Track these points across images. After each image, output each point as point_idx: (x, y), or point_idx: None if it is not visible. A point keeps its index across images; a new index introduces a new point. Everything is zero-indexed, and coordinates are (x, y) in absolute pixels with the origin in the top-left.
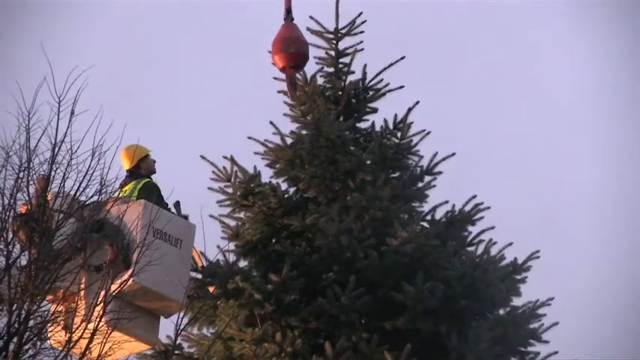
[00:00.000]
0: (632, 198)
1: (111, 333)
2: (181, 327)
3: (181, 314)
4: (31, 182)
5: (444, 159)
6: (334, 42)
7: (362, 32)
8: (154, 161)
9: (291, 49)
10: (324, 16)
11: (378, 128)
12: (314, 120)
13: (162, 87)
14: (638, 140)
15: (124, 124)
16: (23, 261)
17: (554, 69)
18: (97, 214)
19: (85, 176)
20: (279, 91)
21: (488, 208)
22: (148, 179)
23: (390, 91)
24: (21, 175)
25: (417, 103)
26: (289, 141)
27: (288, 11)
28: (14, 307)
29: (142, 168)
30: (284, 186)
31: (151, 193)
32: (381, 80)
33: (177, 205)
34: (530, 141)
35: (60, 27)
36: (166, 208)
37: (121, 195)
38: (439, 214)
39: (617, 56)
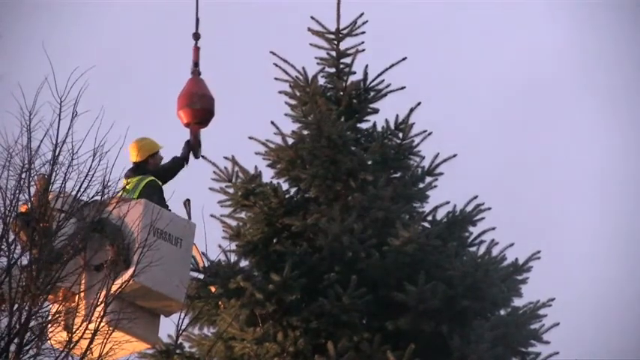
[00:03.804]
0: (633, 197)
1: (112, 333)
2: (183, 327)
3: (182, 314)
4: (33, 183)
5: (445, 160)
6: (335, 42)
7: (363, 33)
8: (162, 158)
9: (196, 106)
10: (325, 16)
11: (379, 129)
12: (315, 120)
13: (163, 87)
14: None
15: (125, 125)
16: (24, 261)
17: (556, 68)
18: (98, 214)
19: (86, 177)
20: (280, 92)
21: (489, 208)
22: (152, 178)
23: (391, 91)
24: (22, 175)
25: (419, 104)
26: (290, 141)
27: (196, 64)
28: (15, 308)
29: (149, 163)
30: (285, 186)
31: (153, 193)
32: (383, 81)
33: (187, 203)
34: (530, 140)
35: (61, 27)
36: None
37: (123, 187)
38: (440, 214)
39: (619, 55)
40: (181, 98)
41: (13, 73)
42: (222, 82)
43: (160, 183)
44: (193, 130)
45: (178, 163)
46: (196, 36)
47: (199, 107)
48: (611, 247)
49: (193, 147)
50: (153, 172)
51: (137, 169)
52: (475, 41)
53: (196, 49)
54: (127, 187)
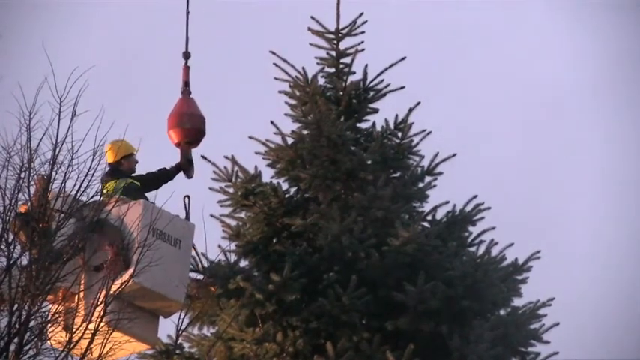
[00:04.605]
0: (633, 197)
1: (111, 333)
2: (182, 327)
3: (182, 314)
4: (32, 183)
5: (445, 160)
6: (335, 42)
7: (363, 33)
8: (137, 162)
9: (186, 125)
10: (325, 16)
11: (379, 128)
12: (315, 120)
13: (162, 87)
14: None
15: (124, 125)
16: (24, 261)
17: (556, 68)
18: (97, 214)
19: (85, 177)
20: (280, 92)
21: (489, 208)
22: (130, 180)
23: (390, 91)
24: (22, 175)
25: (419, 103)
26: (290, 141)
27: (186, 84)
28: (15, 308)
29: (123, 165)
30: (285, 186)
31: (136, 195)
32: (382, 81)
33: (186, 199)
34: (530, 140)
35: (61, 27)
36: None
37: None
38: (440, 214)
39: (619, 53)
40: (171, 118)
41: (13, 73)
42: (222, 83)
43: (138, 185)
44: (183, 150)
45: (164, 175)
46: (186, 55)
47: (189, 127)
48: (611, 247)
49: (184, 168)
50: (129, 175)
51: (112, 172)
52: (475, 41)
53: (186, 68)
54: (105, 191)
